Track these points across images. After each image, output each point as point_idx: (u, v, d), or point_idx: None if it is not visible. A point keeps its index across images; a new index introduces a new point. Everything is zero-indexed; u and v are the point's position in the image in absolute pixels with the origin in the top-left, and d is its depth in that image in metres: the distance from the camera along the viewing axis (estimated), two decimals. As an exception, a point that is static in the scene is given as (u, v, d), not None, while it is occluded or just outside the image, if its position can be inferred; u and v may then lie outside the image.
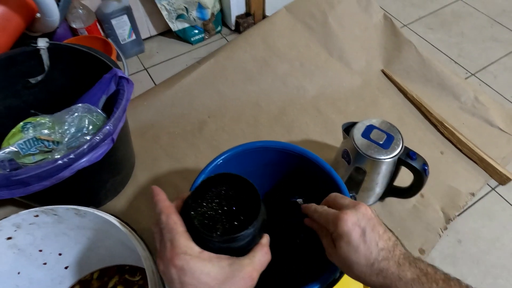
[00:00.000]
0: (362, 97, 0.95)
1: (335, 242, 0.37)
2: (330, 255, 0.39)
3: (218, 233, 0.34)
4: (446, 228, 0.72)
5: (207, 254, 0.32)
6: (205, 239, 0.33)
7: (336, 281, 0.45)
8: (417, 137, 0.86)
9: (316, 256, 0.49)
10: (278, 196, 0.62)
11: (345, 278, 0.46)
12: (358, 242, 0.35)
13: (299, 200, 0.55)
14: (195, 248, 0.32)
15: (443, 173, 0.79)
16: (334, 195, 0.42)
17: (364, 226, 0.35)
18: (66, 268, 0.58)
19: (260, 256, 0.35)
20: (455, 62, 1.06)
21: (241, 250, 0.34)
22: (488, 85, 1.00)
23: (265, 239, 0.37)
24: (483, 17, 1.20)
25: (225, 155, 0.53)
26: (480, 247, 0.71)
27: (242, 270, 0.32)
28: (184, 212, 0.34)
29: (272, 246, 0.38)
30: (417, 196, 0.71)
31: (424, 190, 0.66)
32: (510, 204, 0.77)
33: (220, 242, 0.33)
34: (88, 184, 0.65)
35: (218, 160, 0.52)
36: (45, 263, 0.54)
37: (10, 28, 0.69)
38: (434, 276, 0.33)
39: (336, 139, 0.85)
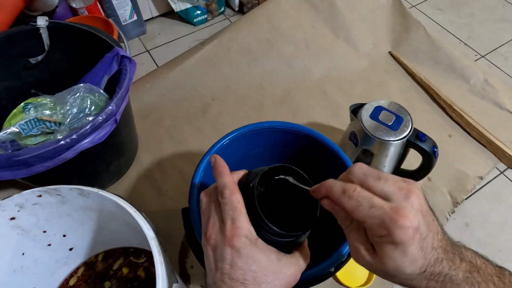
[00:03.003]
0: (369, 80, 0.93)
1: (380, 247, 0.28)
2: (362, 258, 0.30)
3: (283, 226, 0.33)
4: (453, 212, 0.71)
5: (261, 242, 0.32)
6: (263, 228, 0.32)
7: (343, 263, 0.44)
8: (425, 120, 0.85)
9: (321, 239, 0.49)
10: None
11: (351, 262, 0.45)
12: (416, 252, 0.27)
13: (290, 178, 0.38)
14: (254, 234, 0.31)
15: (451, 157, 0.77)
16: (364, 171, 0.30)
17: (423, 230, 0.27)
18: (70, 249, 0.58)
19: (304, 258, 0.35)
20: (465, 44, 1.03)
21: (286, 247, 0.34)
22: (498, 67, 0.97)
23: (306, 241, 0.37)
24: (494, -3, 1.16)
25: (232, 136, 0.52)
26: (488, 230, 0.70)
27: (290, 268, 0.32)
28: (247, 193, 0.33)
29: None
30: (424, 179, 0.70)
31: (431, 173, 0.65)
32: (519, 188, 0.75)
33: (275, 234, 0.32)
34: (92, 166, 0.64)
35: (225, 140, 0.51)
36: (49, 244, 0.54)
37: (9, 5, 0.67)
38: (486, 271, 0.28)
39: (342, 122, 0.83)
